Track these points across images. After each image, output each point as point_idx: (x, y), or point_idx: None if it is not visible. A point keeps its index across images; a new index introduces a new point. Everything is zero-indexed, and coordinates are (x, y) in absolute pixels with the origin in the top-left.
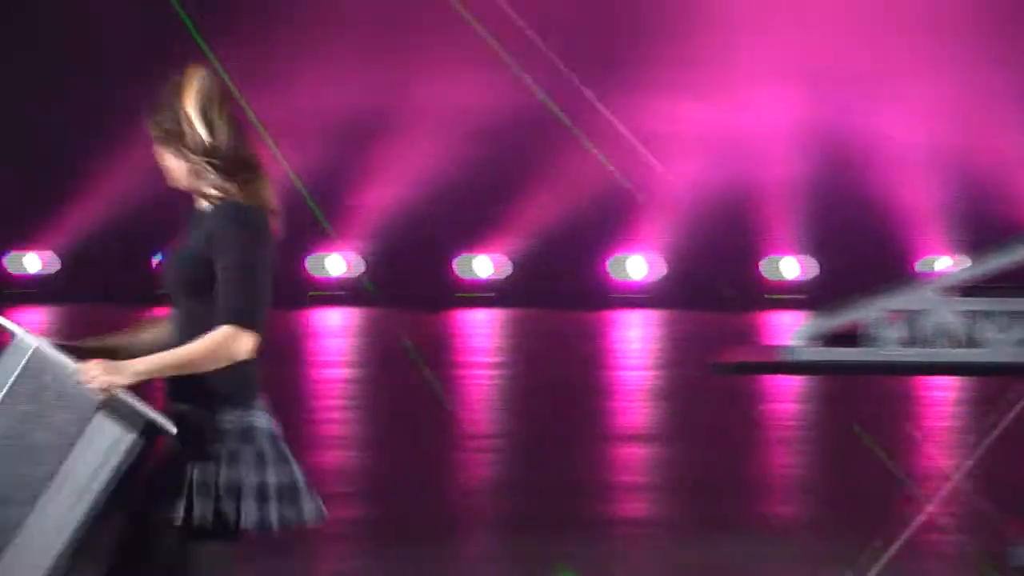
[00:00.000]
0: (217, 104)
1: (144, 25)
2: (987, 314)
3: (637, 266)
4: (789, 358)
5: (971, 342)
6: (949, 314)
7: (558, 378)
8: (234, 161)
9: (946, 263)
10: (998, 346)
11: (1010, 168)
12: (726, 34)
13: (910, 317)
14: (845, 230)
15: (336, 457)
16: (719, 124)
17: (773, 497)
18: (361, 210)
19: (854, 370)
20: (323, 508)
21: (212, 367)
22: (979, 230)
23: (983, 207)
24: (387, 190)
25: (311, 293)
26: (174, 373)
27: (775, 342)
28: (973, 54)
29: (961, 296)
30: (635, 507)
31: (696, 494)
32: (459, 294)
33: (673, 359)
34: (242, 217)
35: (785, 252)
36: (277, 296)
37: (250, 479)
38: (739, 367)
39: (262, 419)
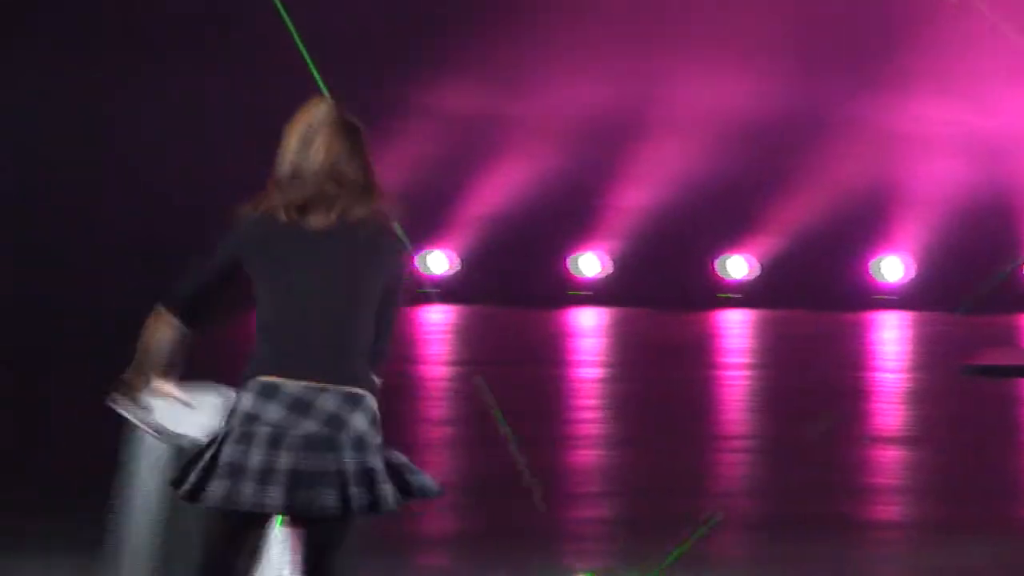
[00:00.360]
0: (306, 131)
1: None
2: None
3: (893, 267)
4: None
5: None
6: None
7: (813, 380)
8: (279, 179)
9: None
10: None
11: None
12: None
13: None
14: None
15: (591, 456)
16: (972, 125)
17: None
18: (616, 210)
19: None
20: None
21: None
22: None
23: None
24: (642, 191)
25: (569, 292)
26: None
27: None
28: None
29: None
30: (888, 510)
31: (948, 497)
32: (718, 294)
33: (927, 361)
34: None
35: None
36: (534, 297)
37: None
38: (989, 369)
39: (243, 400)
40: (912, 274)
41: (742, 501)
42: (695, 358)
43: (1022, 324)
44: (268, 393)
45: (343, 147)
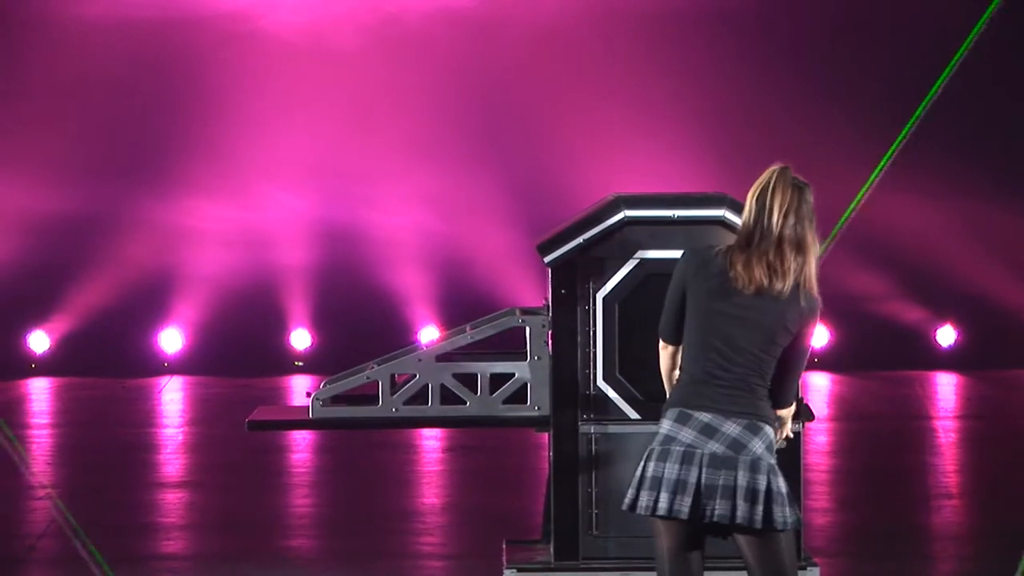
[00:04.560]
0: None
1: None
2: (471, 376)
3: (171, 339)
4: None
5: (458, 399)
6: (441, 376)
7: (114, 435)
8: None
9: (435, 334)
10: (481, 402)
11: (491, 253)
12: (243, 139)
13: (410, 379)
14: (351, 307)
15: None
16: (239, 218)
17: None
18: None
19: (368, 425)
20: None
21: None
22: (464, 305)
23: (467, 286)
24: None
25: None
26: None
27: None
28: (456, 155)
29: (450, 361)
30: (173, 544)
31: (223, 531)
32: (31, 364)
33: (205, 417)
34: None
35: (300, 326)
36: None
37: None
38: (268, 424)
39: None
40: (186, 344)
41: (49, 542)
42: (7, 420)
43: (289, 385)
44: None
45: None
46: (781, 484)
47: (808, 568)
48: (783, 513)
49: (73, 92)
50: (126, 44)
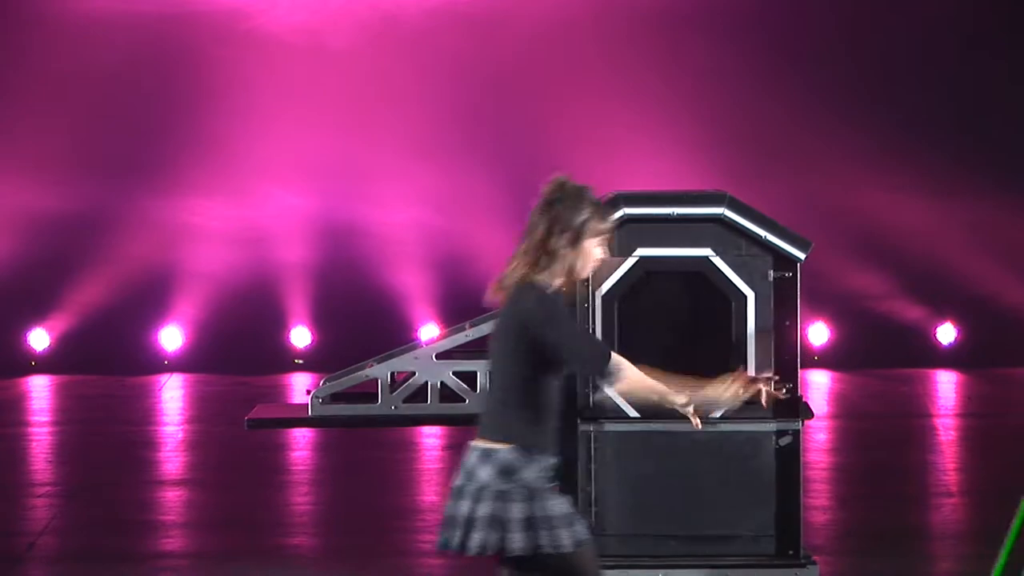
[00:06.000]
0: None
1: None
2: (470, 374)
3: (172, 337)
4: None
5: (458, 397)
6: (440, 374)
7: (116, 432)
8: None
9: (435, 331)
10: (480, 400)
11: (490, 250)
12: (243, 136)
13: (410, 376)
14: (350, 304)
15: None
16: (241, 216)
17: None
18: None
19: (367, 423)
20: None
21: None
22: (464, 303)
23: (467, 284)
24: None
25: None
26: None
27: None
28: (455, 153)
29: (450, 359)
30: (172, 542)
31: (223, 529)
32: (31, 363)
33: (206, 415)
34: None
35: (300, 323)
36: None
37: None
38: (267, 422)
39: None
40: (186, 342)
41: (49, 539)
42: (6, 418)
43: (289, 383)
44: None
45: None
46: (515, 510)
47: (807, 566)
48: (524, 540)
49: (72, 89)
50: (125, 41)
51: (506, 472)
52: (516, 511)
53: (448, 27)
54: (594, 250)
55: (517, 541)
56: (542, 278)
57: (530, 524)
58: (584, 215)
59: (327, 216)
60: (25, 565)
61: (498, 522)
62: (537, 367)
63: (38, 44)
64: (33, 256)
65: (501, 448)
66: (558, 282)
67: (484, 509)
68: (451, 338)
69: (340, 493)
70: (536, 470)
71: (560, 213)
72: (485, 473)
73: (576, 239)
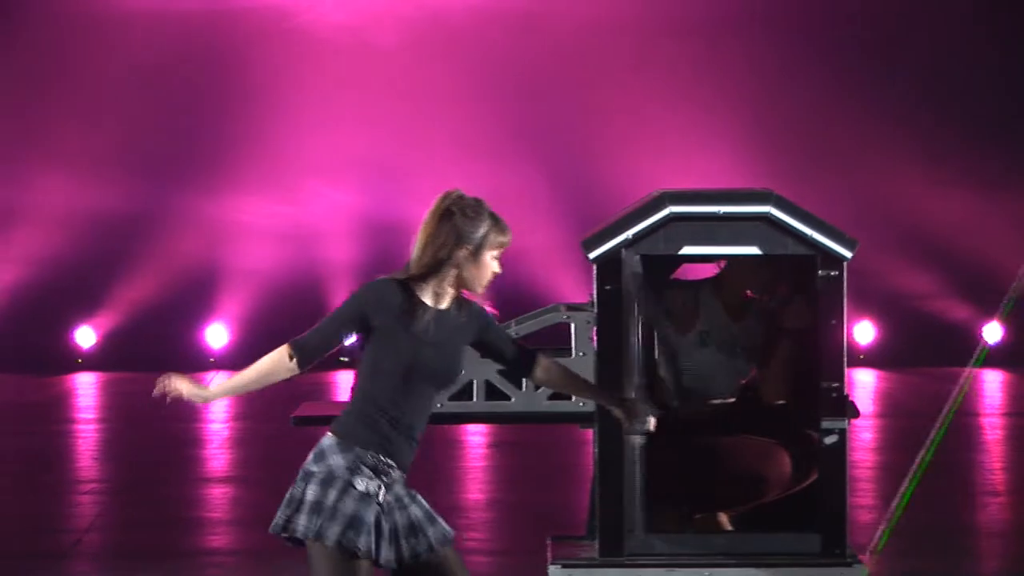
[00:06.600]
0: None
1: None
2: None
3: (217, 335)
4: None
5: (503, 395)
6: (486, 371)
7: (155, 430)
8: None
9: None
10: (525, 398)
11: (536, 249)
12: (289, 135)
13: None
14: None
15: None
16: (288, 215)
17: None
18: None
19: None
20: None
21: None
22: (509, 301)
23: (512, 282)
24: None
25: None
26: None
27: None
28: (500, 151)
29: None
30: (217, 539)
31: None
32: (77, 360)
33: (256, 412)
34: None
35: None
36: None
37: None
38: (311, 420)
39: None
40: (232, 339)
41: (95, 536)
42: (53, 415)
43: (334, 381)
44: None
45: None
46: (309, 492)
47: (853, 565)
48: (304, 522)
49: (119, 88)
50: (171, 40)
51: (318, 456)
52: (310, 493)
53: (492, 25)
54: (492, 263)
55: (301, 522)
56: (429, 285)
57: (317, 509)
58: (483, 228)
59: (373, 214)
60: (71, 561)
61: (295, 501)
62: (365, 360)
63: (88, 45)
64: (79, 254)
65: (328, 434)
66: (450, 292)
67: (295, 489)
68: None
69: None
70: (347, 461)
71: (459, 225)
72: (309, 456)
73: (476, 252)
